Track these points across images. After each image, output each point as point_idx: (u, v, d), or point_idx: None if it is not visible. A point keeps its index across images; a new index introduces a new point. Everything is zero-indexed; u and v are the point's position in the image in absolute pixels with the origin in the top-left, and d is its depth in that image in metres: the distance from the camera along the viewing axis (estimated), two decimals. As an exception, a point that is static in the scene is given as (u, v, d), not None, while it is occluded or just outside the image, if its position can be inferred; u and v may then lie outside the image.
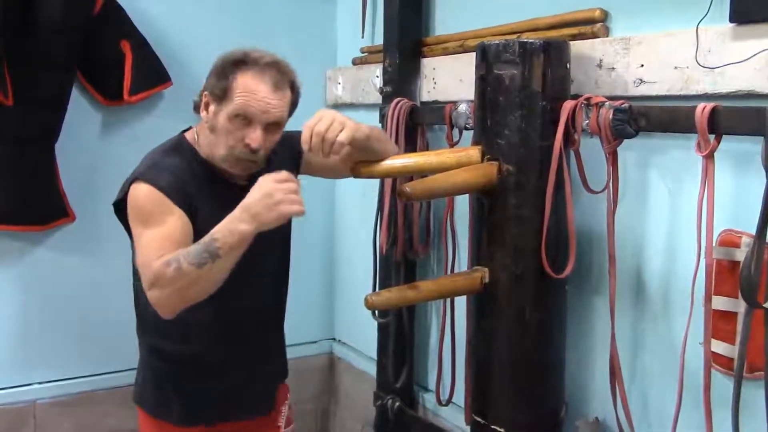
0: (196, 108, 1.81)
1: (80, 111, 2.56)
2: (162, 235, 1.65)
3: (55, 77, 2.44)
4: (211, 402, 1.89)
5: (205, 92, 1.75)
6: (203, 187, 1.76)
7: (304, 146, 1.63)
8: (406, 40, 2.45)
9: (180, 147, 1.81)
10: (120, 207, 1.77)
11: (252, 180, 1.83)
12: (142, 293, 1.85)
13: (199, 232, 1.70)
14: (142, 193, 1.69)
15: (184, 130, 1.87)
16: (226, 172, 1.80)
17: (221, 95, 1.70)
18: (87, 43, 2.47)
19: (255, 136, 1.69)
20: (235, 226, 1.56)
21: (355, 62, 2.87)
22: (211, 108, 1.73)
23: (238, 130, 1.69)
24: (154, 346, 1.90)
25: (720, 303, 1.52)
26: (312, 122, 1.62)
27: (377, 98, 2.58)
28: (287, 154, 1.93)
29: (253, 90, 1.68)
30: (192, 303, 1.62)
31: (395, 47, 2.45)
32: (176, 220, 1.68)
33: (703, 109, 1.46)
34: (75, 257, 2.63)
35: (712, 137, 1.47)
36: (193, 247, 1.58)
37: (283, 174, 1.58)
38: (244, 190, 1.80)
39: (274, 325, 1.99)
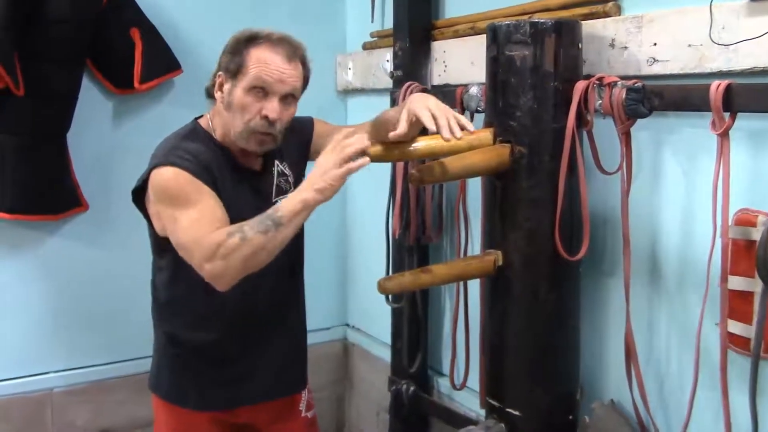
0: (209, 93, 1.81)
1: (91, 100, 2.56)
2: (205, 213, 1.64)
3: (66, 68, 2.44)
4: (228, 386, 1.90)
5: (219, 73, 1.77)
6: (222, 169, 1.78)
7: (437, 129, 1.60)
8: (416, 23, 2.43)
9: (195, 132, 1.82)
10: (139, 194, 1.77)
11: (266, 165, 1.84)
12: (159, 280, 1.87)
13: None
14: (169, 176, 1.68)
15: (197, 117, 1.88)
16: (241, 156, 1.81)
17: (235, 71, 1.72)
18: (97, 32, 2.46)
19: (272, 107, 1.71)
20: (298, 195, 1.59)
21: (365, 47, 2.86)
22: (226, 86, 1.75)
23: (255, 103, 1.71)
24: (169, 333, 1.91)
25: (736, 283, 1.50)
26: (439, 116, 1.60)
27: (388, 83, 2.57)
28: (296, 141, 1.94)
29: (268, 61, 1.70)
30: (250, 272, 1.62)
31: (405, 31, 2.43)
32: (211, 197, 1.68)
33: (717, 86, 1.44)
34: (89, 246, 2.64)
35: (726, 115, 1.45)
36: (255, 218, 1.59)
37: (339, 143, 1.60)
38: (256, 176, 1.83)
39: (290, 311, 1.99)
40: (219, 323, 1.86)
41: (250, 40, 1.73)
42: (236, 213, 1.70)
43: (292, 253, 1.96)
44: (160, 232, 1.76)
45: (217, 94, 1.78)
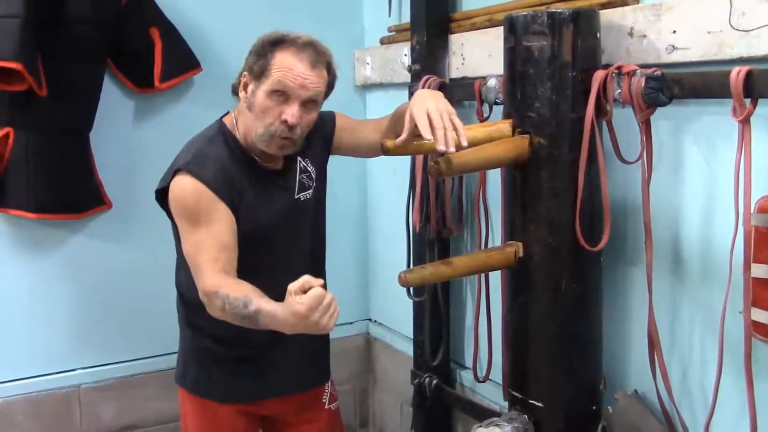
0: (235, 90, 1.84)
1: (112, 99, 2.59)
2: (212, 238, 1.69)
3: (87, 68, 2.47)
4: (253, 379, 1.93)
5: (244, 72, 1.78)
6: (244, 174, 1.81)
7: (427, 135, 1.59)
8: (434, 16, 2.42)
9: (221, 134, 1.84)
10: (162, 194, 1.80)
11: (288, 162, 1.87)
12: (182, 276, 1.91)
13: (241, 218, 1.76)
14: (187, 187, 1.72)
15: (223, 115, 1.91)
16: (263, 158, 1.84)
17: (259, 73, 1.73)
18: (117, 32, 2.49)
19: (292, 112, 1.72)
20: (278, 324, 1.57)
21: (382, 42, 2.86)
22: (250, 87, 1.77)
23: (276, 107, 1.73)
24: (194, 327, 1.94)
25: (760, 271, 1.48)
26: (436, 126, 1.59)
27: (406, 77, 2.57)
28: (318, 136, 1.95)
29: (291, 66, 1.72)
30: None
31: (423, 24, 2.43)
32: (223, 219, 1.72)
33: (737, 73, 1.43)
34: (113, 244, 2.67)
35: (747, 102, 1.44)
36: (239, 303, 1.60)
37: (315, 297, 1.50)
38: (279, 175, 1.87)
39: None
40: None
41: (276, 43, 1.73)
42: (262, 215, 1.78)
43: (315, 247, 1.97)
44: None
45: (241, 94, 1.80)
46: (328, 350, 2.10)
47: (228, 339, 1.90)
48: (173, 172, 1.76)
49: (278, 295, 1.87)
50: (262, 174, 1.84)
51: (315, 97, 1.76)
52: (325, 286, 2.03)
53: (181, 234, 1.76)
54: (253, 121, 1.76)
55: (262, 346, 1.92)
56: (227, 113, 1.90)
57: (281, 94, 1.72)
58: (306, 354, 2.00)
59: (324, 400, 2.08)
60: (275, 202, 1.84)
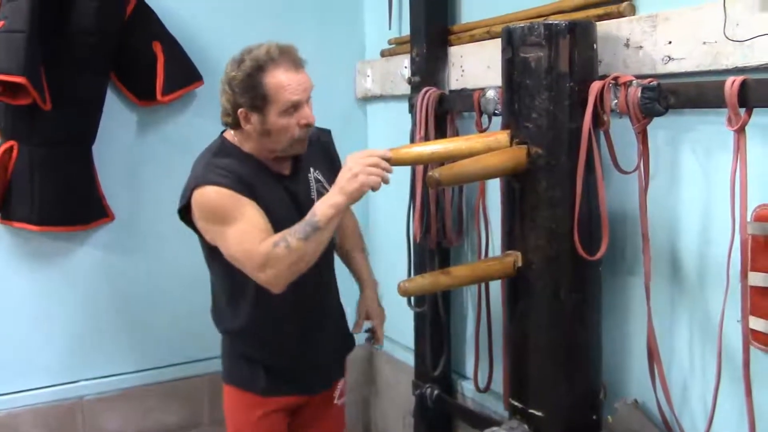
0: (231, 126, 1.90)
1: (115, 112, 2.61)
2: (250, 225, 1.78)
3: (91, 81, 2.49)
4: (288, 375, 1.99)
5: (240, 110, 1.83)
6: (254, 174, 1.88)
7: None
8: (433, 29, 2.45)
9: (225, 148, 1.92)
10: (184, 212, 1.87)
11: (295, 170, 1.97)
12: (215, 285, 2.00)
13: None
14: (210, 195, 1.80)
15: (222, 132, 1.97)
16: (272, 165, 1.92)
17: (262, 103, 1.81)
18: (120, 46, 2.52)
19: (308, 114, 1.85)
20: (329, 200, 1.73)
21: (383, 54, 2.88)
22: (254, 118, 1.83)
23: (292, 118, 1.82)
24: (232, 332, 2.01)
25: (757, 279, 1.49)
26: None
27: (406, 89, 2.59)
28: (322, 155, 2.05)
29: (287, 82, 1.80)
30: (298, 275, 1.77)
31: (422, 37, 2.45)
32: (253, 209, 1.80)
33: (732, 83, 1.44)
34: (116, 256, 2.69)
35: (742, 111, 1.45)
36: (295, 225, 1.74)
37: (365, 151, 1.74)
38: (289, 179, 1.95)
39: (333, 299, 2.12)
40: (277, 317, 1.94)
41: (258, 70, 1.79)
42: (275, 213, 1.83)
43: (328, 247, 2.02)
44: (210, 242, 1.86)
45: (247, 127, 1.85)
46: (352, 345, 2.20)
47: (259, 344, 1.96)
48: (190, 189, 1.83)
49: (303, 292, 1.92)
50: (272, 176, 1.92)
51: (311, 90, 1.86)
52: (335, 278, 2.12)
53: (220, 238, 1.81)
54: (273, 140, 1.85)
55: (297, 344, 1.98)
56: (226, 129, 1.95)
57: (294, 108, 1.81)
58: (335, 347, 2.09)
59: (335, 395, 2.13)
60: (288, 204, 1.90)
